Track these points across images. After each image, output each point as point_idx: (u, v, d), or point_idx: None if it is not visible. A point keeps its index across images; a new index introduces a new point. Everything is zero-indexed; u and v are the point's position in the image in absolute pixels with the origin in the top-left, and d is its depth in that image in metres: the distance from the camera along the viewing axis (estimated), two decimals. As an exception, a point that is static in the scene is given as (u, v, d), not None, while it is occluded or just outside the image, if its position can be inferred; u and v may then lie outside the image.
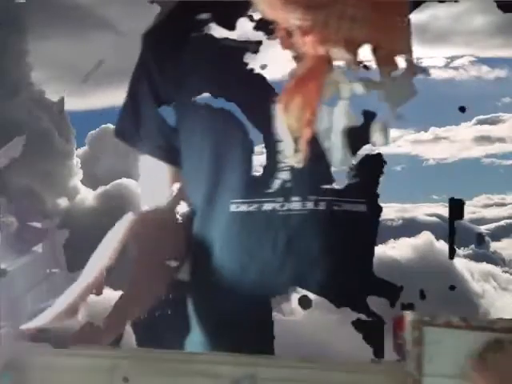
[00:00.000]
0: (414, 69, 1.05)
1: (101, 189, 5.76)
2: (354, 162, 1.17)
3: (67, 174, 5.78)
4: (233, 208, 1.20)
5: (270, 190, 1.19)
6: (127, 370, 0.79)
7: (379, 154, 1.18)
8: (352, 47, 1.03)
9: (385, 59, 1.05)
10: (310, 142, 1.05)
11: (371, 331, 1.20)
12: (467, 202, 1.26)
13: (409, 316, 0.90)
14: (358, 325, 1.21)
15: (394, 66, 1.05)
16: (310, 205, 1.19)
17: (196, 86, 1.21)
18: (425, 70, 1.06)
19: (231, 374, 0.81)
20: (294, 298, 1.22)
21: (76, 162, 5.97)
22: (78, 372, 0.83)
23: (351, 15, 1.01)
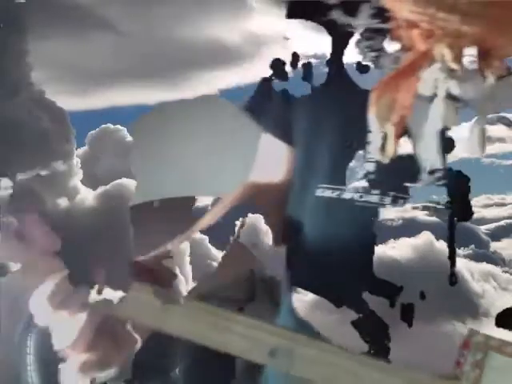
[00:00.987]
0: None
1: (101, 189, 5.78)
2: (444, 165, 1.13)
3: (67, 174, 5.78)
4: (318, 192, 1.23)
5: (354, 180, 1.20)
6: (177, 311, 0.85)
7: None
8: (458, 44, 0.98)
9: (494, 61, 0.98)
10: (400, 138, 1.03)
11: (371, 331, 1.20)
12: (467, 203, 1.25)
13: (475, 335, 0.84)
14: (357, 325, 1.21)
15: (503, 69, 0.98)
16: (387, 200, 1.20)
17: None
18: None
19: (271, 342, 0.84)
20: (294, 298, 1.22)
21: (76, 162, 5.98)
22: (137, 304, 0.93)
23: (464, 10, 0.95)
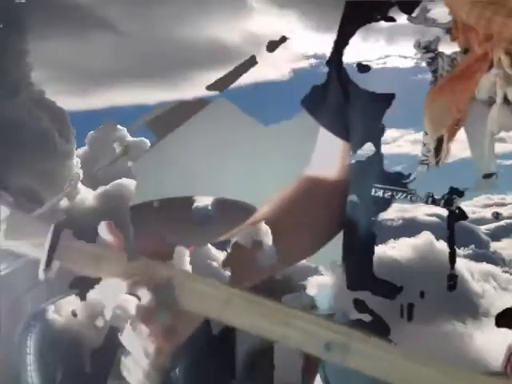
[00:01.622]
0: None
1: (101, 189, 5.77)
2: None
3: (67, 173, 5.78)
4: (373, 192, 1.21)
5: (407, 181, 1.19)
6: (237, 303, 0.89)
7: None
8: None
9: None
10: (453, 142, 1.02)
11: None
12: (467, 202, 1.26)
13: None
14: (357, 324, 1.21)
15: None
16: (440, 203, 1.20)
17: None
18: None
19: (326, 337, 0.87)
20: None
21: (76, 162, 5.98)
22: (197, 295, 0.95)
23: None
